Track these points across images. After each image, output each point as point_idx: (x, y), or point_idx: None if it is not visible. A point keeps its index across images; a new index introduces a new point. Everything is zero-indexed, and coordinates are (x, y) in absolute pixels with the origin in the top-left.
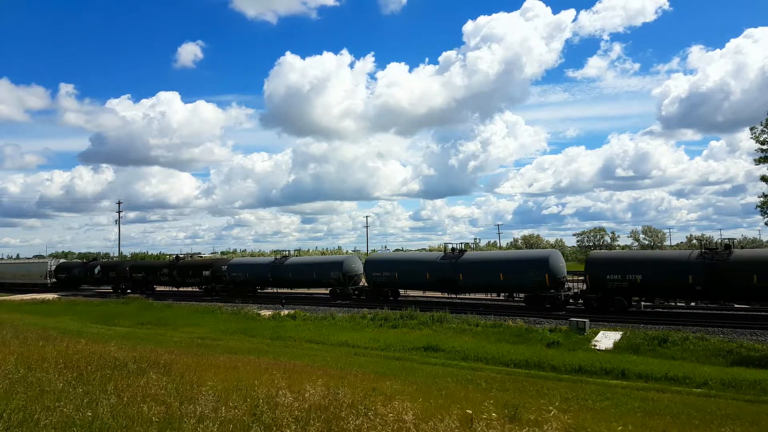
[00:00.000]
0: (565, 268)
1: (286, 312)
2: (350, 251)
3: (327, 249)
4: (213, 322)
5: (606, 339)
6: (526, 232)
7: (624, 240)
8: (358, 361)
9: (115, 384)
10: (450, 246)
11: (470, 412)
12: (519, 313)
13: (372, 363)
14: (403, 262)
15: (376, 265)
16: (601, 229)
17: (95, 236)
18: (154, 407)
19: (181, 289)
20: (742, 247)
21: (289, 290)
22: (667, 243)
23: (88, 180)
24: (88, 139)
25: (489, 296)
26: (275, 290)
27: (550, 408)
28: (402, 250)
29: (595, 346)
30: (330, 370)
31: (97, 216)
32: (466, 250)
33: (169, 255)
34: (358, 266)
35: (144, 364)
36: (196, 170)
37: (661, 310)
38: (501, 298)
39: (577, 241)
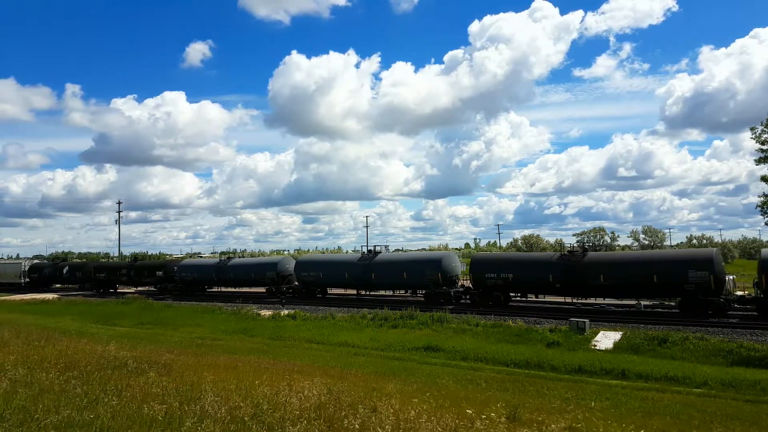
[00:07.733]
0: (459, 268)
1: (285, 312)
2: (350, 251)
3: (327, 249)
4: (213, 322)
5: (606, 339)
6: (527, 232)
7: (624, 240)
8: (358, 361)
9: (115, 384)
10: (366, 248)
11: (470, 411)
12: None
13: (372, 363)
14: (326, 264)
15: (304, 266)
16: (601, 229)
17: (96, 236)
18: (154, 407)
19: (138, 288)
20: (596, 251)
21: (233, 289)
22: (667, 243)
23: (90, 180)
24: (91, 139)
25: (397, 293)
26: (220, 289)
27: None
28: (402, 250)
29: (595, 346)
30: (330, 370)
31: (99, 216)
32: (380, 252)
33: (170, 255)
34: (291, 267)
35: (144, 364)
36: (199, 170)
37: (660, 310)
38: (408, 294)
39: (577, 241)
